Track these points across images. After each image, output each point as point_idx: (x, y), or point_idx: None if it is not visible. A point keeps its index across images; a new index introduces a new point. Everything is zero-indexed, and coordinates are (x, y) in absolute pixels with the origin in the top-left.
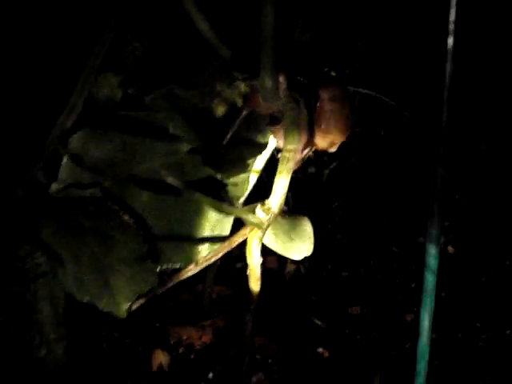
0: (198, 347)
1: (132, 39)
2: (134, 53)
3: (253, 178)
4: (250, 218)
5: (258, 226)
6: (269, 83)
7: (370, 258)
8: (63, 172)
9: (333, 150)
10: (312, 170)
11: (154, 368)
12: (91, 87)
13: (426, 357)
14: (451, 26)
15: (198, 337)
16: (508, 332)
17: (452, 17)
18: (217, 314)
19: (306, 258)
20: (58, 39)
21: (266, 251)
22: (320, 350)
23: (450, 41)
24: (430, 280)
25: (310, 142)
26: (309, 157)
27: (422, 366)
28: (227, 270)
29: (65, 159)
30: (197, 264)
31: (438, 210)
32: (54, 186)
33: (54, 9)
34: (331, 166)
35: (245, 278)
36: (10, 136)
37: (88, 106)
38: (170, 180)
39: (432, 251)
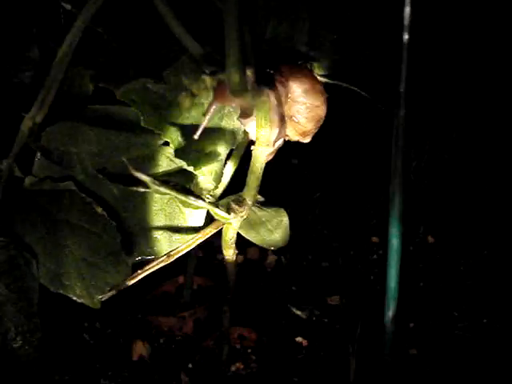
0: (179, 338)
1: (103, 33)
2: (105, 46)
3: (228, 170)
4: (216, 211)
5: (225, 219)
6: (236, 77)
7: (349, 248)
8: (37, 166)
9: (306, 140)
10: (294, 161)
11: (135, 358)
12: (62, 81)
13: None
14: (406, 21)
15: (179, 327)
16: (485, 321)
17: (407, 11)
18: (197, 305)
19: (286, 249)
20: (27, 31)
21: (247, 242)
22: (299, 339)
23: (405, 36)
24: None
25: (282, 133)
26: (290, 148)
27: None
28: (208, 261)
29: (38, 153)
30: (169, 256)
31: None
32: (28, 180)
33: None
34: (312, 157)
35: (226, 269)
36: None
37: (59, 100)
38: (138, 174)
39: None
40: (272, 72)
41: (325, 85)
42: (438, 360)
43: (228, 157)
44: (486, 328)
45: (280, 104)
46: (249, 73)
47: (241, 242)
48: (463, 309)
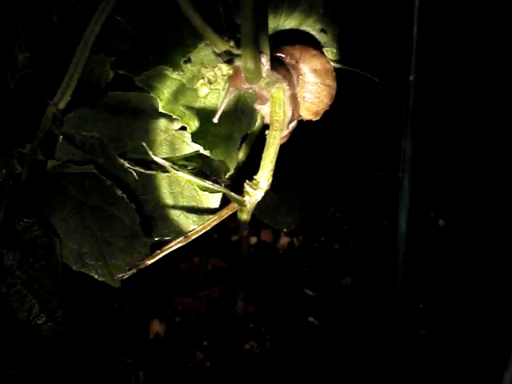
0: (194, 317)
1: (123, 21)
2: (125, 35)
3: (243, 153)
4: (232, 195)
5: (240, 203)
6: (251, 65)
7: (361, 230)
8: (59, 150)
9: (317, 118)
10: (307, 144)
11: (152, 336)
12: (83, 68)
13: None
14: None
15: (194, 307)
16: (494, 303)
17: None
18: (212, 285)
19: (299, 231)
20: (49, 19)
21: (260, 224)
22: (311, 319)
23: (415, 29)
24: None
25: (295, 115)
26: (303, 131)
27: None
28: (223, 243)
29: (60, 138)
30: (186, 237)
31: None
32: (51, 163)
33: None
34: (325, 140)
35: (239, 250)
36: (6, 115)
37: (81, 86)
38: (156, 159)
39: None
40: (283, 56)
41: (338, 69)
42: (447, 340)
43: (243, 140)
44: (495, 310)
45: (293, 87)
46: (263, 60)
47: (254, 224)
48: (473, 291)
